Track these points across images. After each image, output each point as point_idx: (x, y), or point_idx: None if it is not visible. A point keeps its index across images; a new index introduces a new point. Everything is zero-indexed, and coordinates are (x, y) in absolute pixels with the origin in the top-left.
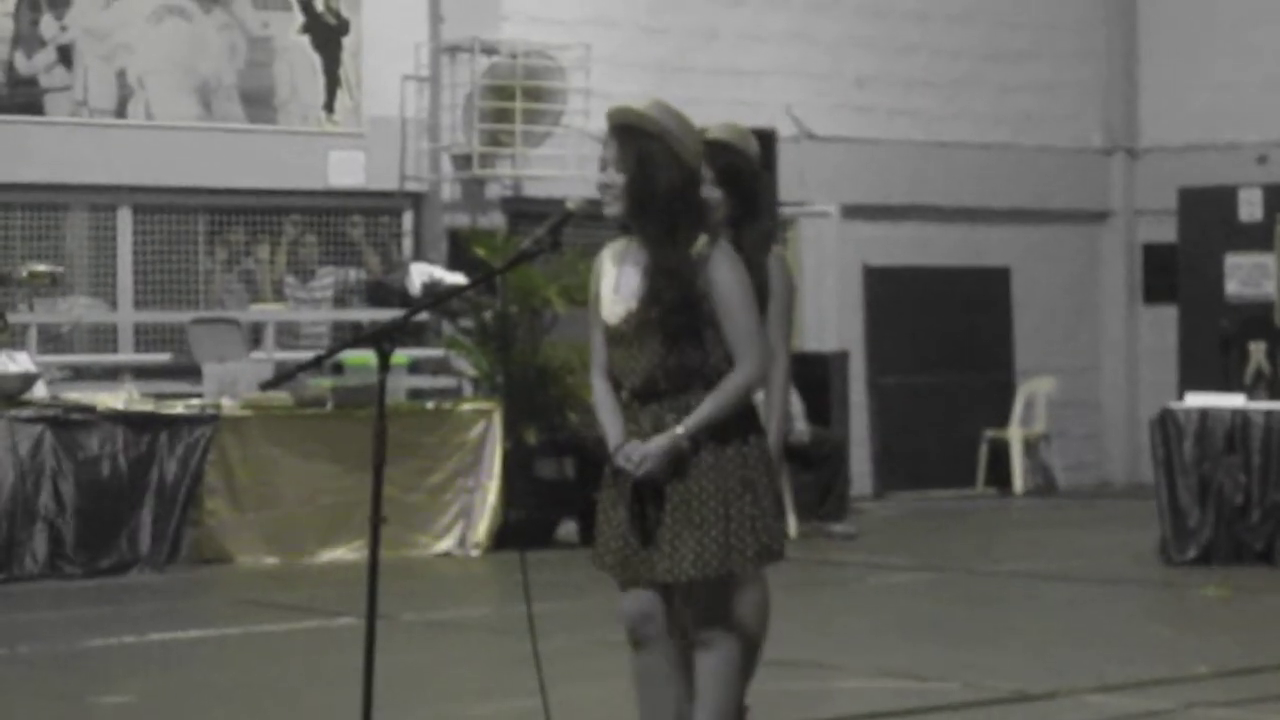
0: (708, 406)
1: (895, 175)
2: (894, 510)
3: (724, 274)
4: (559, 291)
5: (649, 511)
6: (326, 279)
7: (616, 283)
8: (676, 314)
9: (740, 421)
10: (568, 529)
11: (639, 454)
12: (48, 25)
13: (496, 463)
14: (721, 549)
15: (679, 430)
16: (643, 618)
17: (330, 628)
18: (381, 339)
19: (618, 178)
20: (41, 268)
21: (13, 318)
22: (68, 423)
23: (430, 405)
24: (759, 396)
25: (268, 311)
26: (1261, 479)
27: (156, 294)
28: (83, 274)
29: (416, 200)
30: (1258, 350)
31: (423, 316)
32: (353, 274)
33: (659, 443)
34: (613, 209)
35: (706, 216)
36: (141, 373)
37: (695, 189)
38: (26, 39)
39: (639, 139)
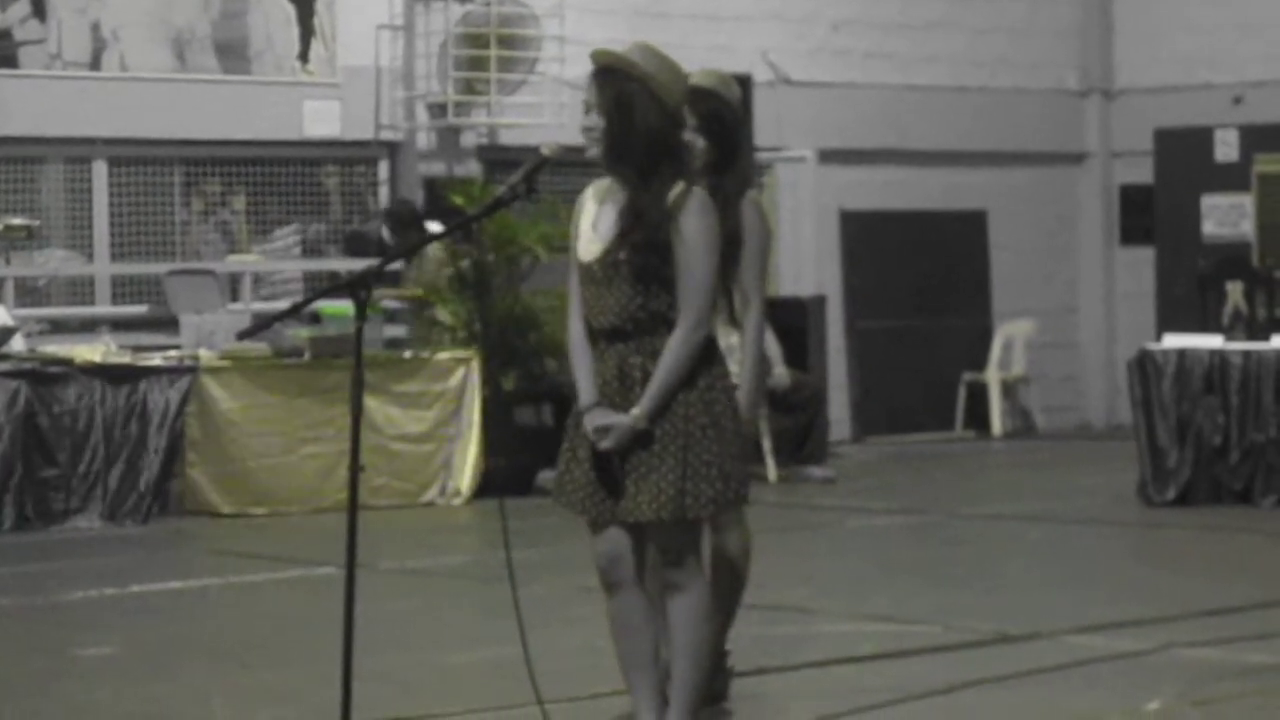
0: (658, 380)
1: (871, 119)
2: (873, 454)
3: (692, 223)
4: (538, 238)
5: (611, 456)
6: (290, 237)
7: (595, 220)
8: (645, 256)
9: (704, 365)
10: (547, 476)
11: (602, 423)
12: None
13: (476, 411)
14: (677, 493)
15: (636, 413)
16: (612, 560)
17: (311, 577)
18: (358, 286)
19: (599, 121)
20: (17, 221)
21: None
22: (45, 376)
23: (408, 354)
24: (733, 339)
25: (245, 263)
26: (1240, 419)
27: (133, 246)
28: (59, 227)
29: (392, 149)
30: (1235, 290)
31: (399, 265)
32: (313, 225)
33: (620, 424)
34: (593, 152)
35: (686, 162)
36: (119, 325)
37: (676, 134)
38: None
39: (618, 81)
